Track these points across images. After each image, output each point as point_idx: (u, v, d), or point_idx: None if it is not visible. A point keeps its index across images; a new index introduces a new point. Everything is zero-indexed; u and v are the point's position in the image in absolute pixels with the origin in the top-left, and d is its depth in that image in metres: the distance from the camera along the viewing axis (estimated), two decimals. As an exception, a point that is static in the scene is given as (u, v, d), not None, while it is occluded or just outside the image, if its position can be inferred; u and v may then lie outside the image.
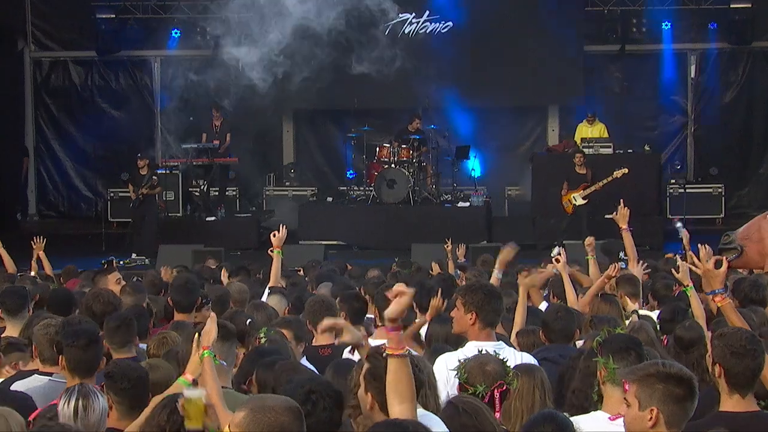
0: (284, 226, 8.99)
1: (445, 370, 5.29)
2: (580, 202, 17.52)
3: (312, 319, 6.84)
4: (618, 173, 17.19)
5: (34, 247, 11.48)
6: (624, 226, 9.39)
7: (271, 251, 8.72)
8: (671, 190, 20.12)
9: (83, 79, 22.78)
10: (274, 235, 8.75)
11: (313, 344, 6.78)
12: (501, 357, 4.86)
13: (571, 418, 4.71)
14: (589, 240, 9.66)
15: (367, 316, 8.04)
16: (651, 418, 3.97)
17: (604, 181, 17.30)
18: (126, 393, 4.84)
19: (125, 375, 4.88)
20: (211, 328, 4.81)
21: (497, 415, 4.53)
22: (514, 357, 5.39)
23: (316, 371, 5.46)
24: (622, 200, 9.74)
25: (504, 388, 4.58)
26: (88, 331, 5.50)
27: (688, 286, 7.03)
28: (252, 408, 3.64)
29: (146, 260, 17.42)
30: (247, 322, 6.44)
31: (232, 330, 5.25)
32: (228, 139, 19.78)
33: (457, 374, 4.72)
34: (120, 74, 22.74)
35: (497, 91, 20.75)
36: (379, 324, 6.58)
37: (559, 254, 8.64)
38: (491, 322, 5.68)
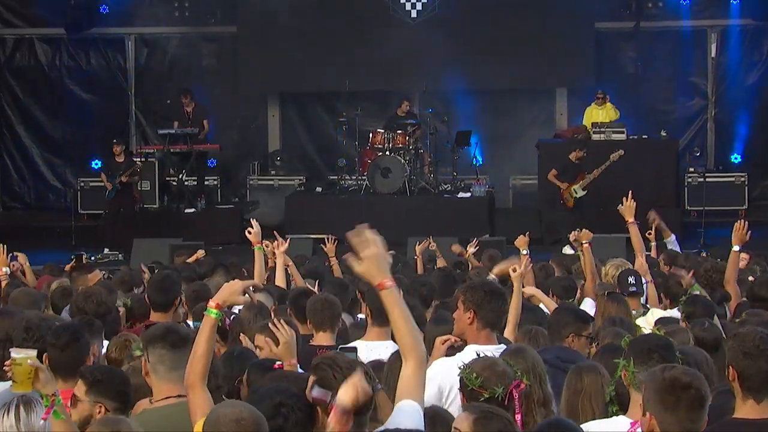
0: (254, 220, 9.04)
1: (439, 379, 5.29)
2: (580, 194, 17.56)
3: (314, 319, 6.85)
4: (614, 156, 17.24)
5: None
6: (630, 219, 9.44)
7: (252, 247, 8.79)
8: (690, 180, 20.12)
9: (51, 59, 22.70)
10: (249, 233, 8.79)
11: (311, 344, 6.79)
12: None
13: (592, 423, 4.87)
14: (585, 234, 9.69)
15: (359, 316, 8.07)
16: (648, 424, 4.14)
17: (602, 168, 17.35)
18: (118, 397, 4.99)
19: (113, 380, 5.04)
20: (233, 285, 4.59)
21: (518, 417, 4.54)
22: None
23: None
24: (630, 192, 9.81)
25: (523, 386, 4.59)
26: (68, 330, 5.57)
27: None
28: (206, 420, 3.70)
29: (119, 255, 17.43)
30: (231, 318, 6.46)
31: (185, 336, 5.05)
32: (206, 126, 19.72)
33: (465, 380, 4.67)
34: (91, 53, 22.67)
35: (500, 72, 20.74)
36: (372, 323, 6.58)
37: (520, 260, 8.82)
38: (491, 323, 5.64)
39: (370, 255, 4.18)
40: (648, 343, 5.00)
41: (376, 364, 5.49)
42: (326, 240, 11.33)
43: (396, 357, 5.73)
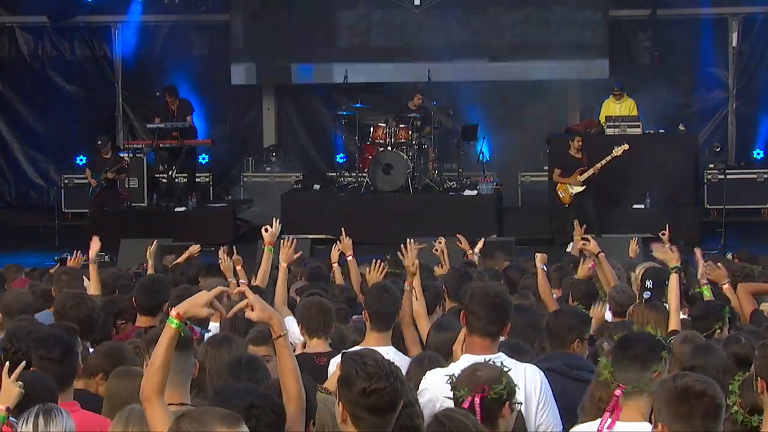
0: (278, 220, 8.98)
1: (431, 391, 5.33)
2: (577, 189, 17.56)
3: (306, 324, 6.87)
4: (618, 150, 17.27)
5: None
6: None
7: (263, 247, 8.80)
8: (710, 176, 20.15)
9: (33, 49, 22.74)
10: (266, 230, 8.72)
11: (306, 352, 6.81)
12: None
13: (576, 428, 5.02)
14: (592, 246, 9.56)
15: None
16: None
17: (603, 162, 17.38)
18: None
19: (45, 386, 5.10)
20: (198, 296, 4.52)
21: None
22: (515, 369, 5.38)
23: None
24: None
25: (485, 394, 4.61)
26: (62, 340, 5.60)
27: (704, 285, 7.35)
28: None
29: (106, 257, 17.44)
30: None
31: (189, 337, 5.15)
32: (190, 121, 19.66)
33: (448, 380, 4.77)
34: (75, 43, 22.72)
35: (509, 62, 20.74)
36: (371, 328, 6.60)
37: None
38: (481, 330, 5.54)
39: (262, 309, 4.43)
40: (629, 341, 4.99)
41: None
42: (333, 247, 11.10)
43: (415, 364, 5.76)
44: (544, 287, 8.86)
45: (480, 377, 4.66)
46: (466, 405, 4.59)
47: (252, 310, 4.44)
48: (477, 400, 4.59)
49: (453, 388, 4.68)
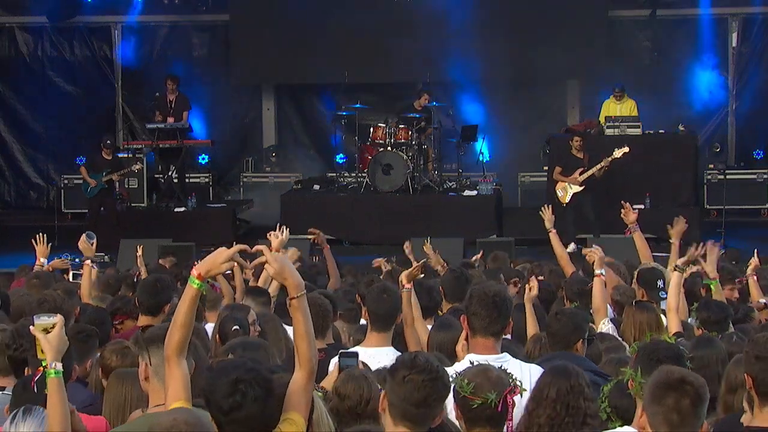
0: (287, 228, 8.76)
1: None
2: (575, 189, 17.55)
3: None
4: (618, 152, 17.24)
5: None
6: (631, 219, 9.49)
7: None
8: (709, 177, 20.16)
9: (32, 49, 22.74)
10: (276, 237, 8.55)
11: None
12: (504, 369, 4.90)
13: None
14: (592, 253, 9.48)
15: (361, 322, 8.12)
16: (638, 421, 4.29)
17: (603, 163, 17.36)
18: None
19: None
20: (218, 254, 4.52)
21: (509, 423, 4.59)
22: (521, 370, 5.41)
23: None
24: (622, 201, 9.94)
25: (518, 391, 4.63)
26: None
27: (714, 279, 7.31)
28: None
29: (105, 257, 17.46)
30: (233, 328, 6.51)
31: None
32: (185, 118, 19.66)
33: (457, 388, 4.67)
34: (75, 43, 22.72)
35: (508, 62, 20.72)
36: (371, 329, 6.62)
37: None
38: (484, 330, 5.57)
39: (280, 268, 4.48)
40: (657, 353, 5.00)
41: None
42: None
43: None
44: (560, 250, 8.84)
45: (497, 378, 4.62)
46: (500, 408, 4.55)
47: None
48: (510, 400, 4.58)
49: (473, 394, 4.56)
